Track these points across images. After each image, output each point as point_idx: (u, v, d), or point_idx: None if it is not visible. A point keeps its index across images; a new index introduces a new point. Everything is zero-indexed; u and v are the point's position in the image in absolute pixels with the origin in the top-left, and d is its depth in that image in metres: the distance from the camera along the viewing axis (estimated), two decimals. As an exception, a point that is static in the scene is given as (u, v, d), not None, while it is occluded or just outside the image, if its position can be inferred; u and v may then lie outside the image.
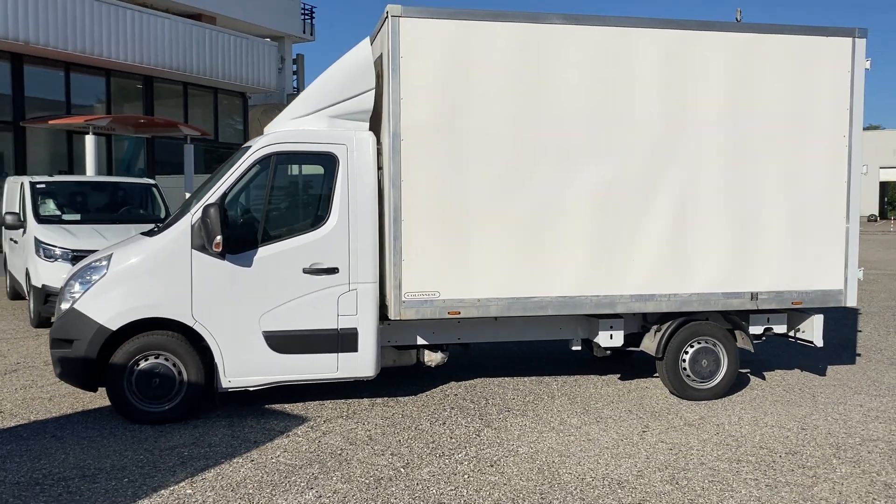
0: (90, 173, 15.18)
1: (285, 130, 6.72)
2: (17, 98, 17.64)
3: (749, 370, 8.55)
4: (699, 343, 7.38)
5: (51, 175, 12.95)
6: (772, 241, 7.25)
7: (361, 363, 6.65)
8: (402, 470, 5.43)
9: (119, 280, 6.33)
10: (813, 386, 7.92)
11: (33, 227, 10.87)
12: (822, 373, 8.54)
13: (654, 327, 7.43)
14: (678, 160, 7.02)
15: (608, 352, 7.57)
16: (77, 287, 6.40)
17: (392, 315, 6.62)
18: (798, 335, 7.82)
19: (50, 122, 16.81)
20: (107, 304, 6.28)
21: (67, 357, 6.30)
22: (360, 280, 6.58)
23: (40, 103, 18.31)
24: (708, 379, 7.37)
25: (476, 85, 6.63)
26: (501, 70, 6.68)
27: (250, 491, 5.02)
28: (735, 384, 7.75)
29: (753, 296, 7.23)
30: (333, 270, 6.52)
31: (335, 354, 6.59)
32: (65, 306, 6.42)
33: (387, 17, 6.48)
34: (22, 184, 11.80)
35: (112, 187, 12.90)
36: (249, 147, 6.63)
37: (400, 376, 7.87)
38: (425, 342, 7.20)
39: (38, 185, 11.71)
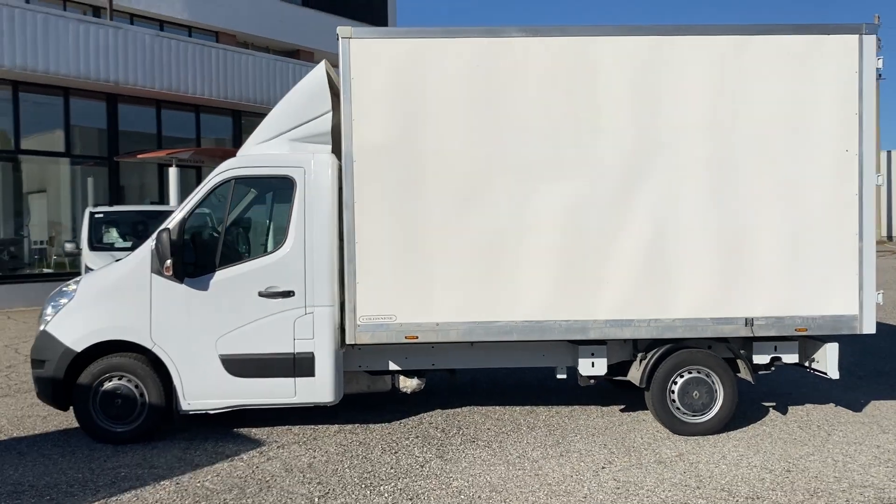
0: (173, 204, 15.98)
1: (244, 155, 6.78)
2: (111, 134, 18.90)
3: (775, 404, 7.79)
4: (690, 373, 6.78)
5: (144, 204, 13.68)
6: (769, 263, 6.58)
7: (319, 388, 6.54)
8: (316, 500, 5.25)
9: (84, 304, 6.55)
10: (836, 422, 7.09)
11: (85, 254, 11.54)
12: (858, 408, 7.64)
13: (640, 355, 6.90)
14: (655, 176, 6.52)
15: (592, 381, 7.08)
16: (49, 310, 6.68)
17: (347, 339, 6.49)
18: (813, 365, 7.05)
19: (139, 156, 17.88)
20: (73, 327, 6.50)
21: (40, 377, 6.56)
22: (317, 303, 6.49)
23: (135, 138, 19.51)
24: (701, 412, 6.75)
25: (432, 103, 6.45)
26: (458, 87, 6.46)
27: (155, 515, 5.00)
28: (747, 418, 7.10)
29: (748, 321, 6.58)
30: (289, 294, 6.48)
31: (292, 379, 6.52)
32: (41, 328, 6.71)
33: (338, 39, 6.43)
34: (84, 213, 12.58)
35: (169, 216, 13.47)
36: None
37: (388, 401, 7.70)
38: (398, 367, 7.01)
39: (96, 215, 12.44)
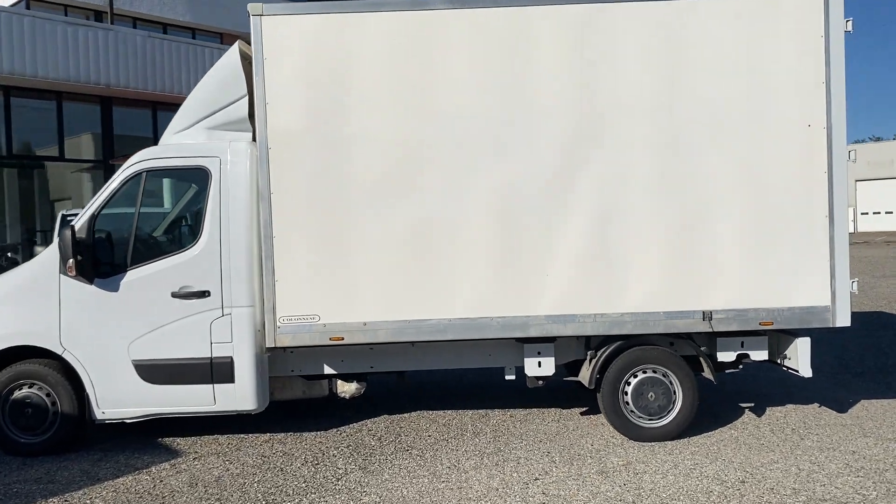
0: (167, 206, 15.70)
1: (157, 146, 6.34)
2: (106, 137, 18.70)
3: (752, 404, 7.14)
4: (644, 372, 6.18)
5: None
6: (728, 250, 5.96)
7: (240, 395, 6.07)
8: (205, 518, 4.79)
9: (-9, 308, 6.17)
10: (814, 425, 6.43)
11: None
12: (844, 408, 6.96)
13: (590, 353, 6.32)
14: (599, 158, 5.94)
15: (540, 382, 6.51)
16: (-42, 315, 6.30)
17: (267, 342, 6.01)
18: (785, 363, 6.39)
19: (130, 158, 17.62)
20: (-20, 333, 6.12)
21: (-45, 386, 6.19)
22: (235, 304, 6.03)
23: (130, 141, 19.28)
24: (658, 415, 6.14)
25: (353, 84, 5.94)
26: (380, 66, 5.94)
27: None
28: (717, 420, 6.49)
29: (706, 315, 5.96)
30: (204, 294, 6.02)
31: (210, 386, 6.05)
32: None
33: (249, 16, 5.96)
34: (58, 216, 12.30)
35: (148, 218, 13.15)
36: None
37: (341, 406, 7.21)
38: (334, 371, 6.51)
39: (67, 217, 12.12)
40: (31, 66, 16.37)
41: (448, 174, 5.95)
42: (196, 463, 5.86)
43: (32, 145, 18.01)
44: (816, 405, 7.10)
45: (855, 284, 6.01)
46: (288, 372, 6.49)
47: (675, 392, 6.15)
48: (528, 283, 5.96)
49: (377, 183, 5.94)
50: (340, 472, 5.58)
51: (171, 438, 6.48)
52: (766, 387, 7.79)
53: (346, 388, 6.62)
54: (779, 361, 6.45)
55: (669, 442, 6.08)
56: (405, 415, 7.08)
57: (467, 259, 5.96)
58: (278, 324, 5.97)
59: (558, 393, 7.60)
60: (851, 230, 57.42)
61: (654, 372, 6.16)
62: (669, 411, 6.14)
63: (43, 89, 17.13)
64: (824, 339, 10.37)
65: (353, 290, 5.96)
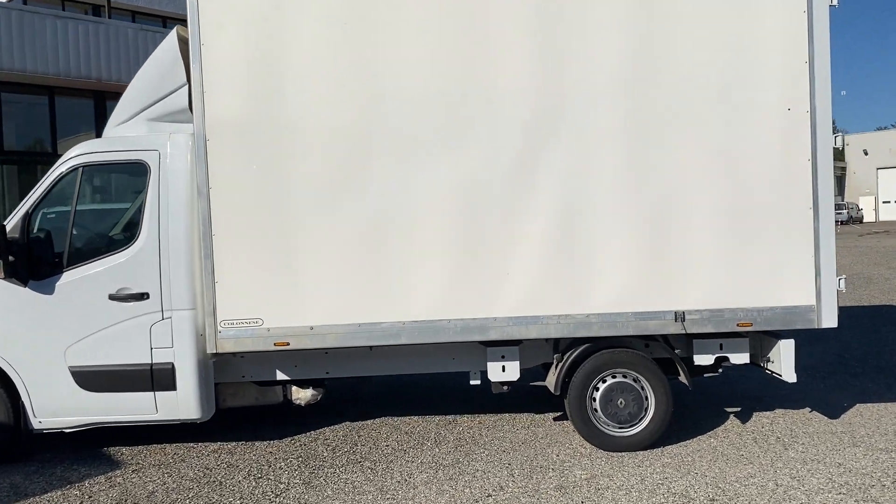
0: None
1: (95, 140, 5.98)
2: (99, 132, 18.38)
3: (739, 409, 6.69)
4: (614, 377, 5.74)
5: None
6: (703, 246, 5.50)
7: (183, 403, 5.71)
8: (121, 541, 4.43)
9: (-78, 312, 5.84)
10: (801, 433, 5.97)
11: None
12: (836, 414, 6.49)
13: (556, 357, 5.90)
14: (562, 145, 5.50)
15: (505, 388, 6.10)
16: None
17: (208, 347, 5.63)
18: (768, 366, 5.93)
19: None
20: None
21: None
22: (175, 307, 5.66)
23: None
24: (628, 424, 5.71)
25: (294, 69, 5.53)
26: (324, 48, 5.53)
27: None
28: (697, 427, 6.08)
29: (678, 316, 5.51)
30: (143, 296, 5.66)
31: (151, 393, 5.70)
32: None
33: (185, -1, 5.57)
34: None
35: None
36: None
37: (300, 413, 6.83)
38: (287, 377, 6.14)
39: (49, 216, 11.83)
40: (20, 61, 16.12)
41: (399, 166, 5.53)
42: (133, 476, 5.52)
43: (26, 142, 17.80)
44: (807, 410, 6.64)
45: (842, 282, 5.54)
46: (239, 378, 6.13)
47: (646, 398, 5.71)
48: (488, 283, 5.55)
49: (323, 176, 5.54)
50: (282, 486, 5.20)
51: (117, 448, 6.15)
52: (758, 388, 7.33)
53: (302, 395, 6.25)
54: (762, 365, 6.00)
55: (641, 452, 5.65)
56: (368, 422, 6.69)
57: (422, 258, 5.55)
58: (219, 328, 5.59)
59: (534, 396, 7.18)
60: (872, 219, 56.72)
61: (625, 377, 5.73)
62: (641, 419, 5.71)
63: (34, 84, 16.90)
64: (825, 336, 9.86)
65: (299, 292, 5.58)
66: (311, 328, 5.59)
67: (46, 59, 16.42)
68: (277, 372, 6.12)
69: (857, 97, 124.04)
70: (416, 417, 6.77)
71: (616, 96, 5.47)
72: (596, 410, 5.72)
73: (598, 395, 5.73)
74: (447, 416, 6.76)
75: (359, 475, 5.38)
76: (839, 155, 71.14)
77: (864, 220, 58.70)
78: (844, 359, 8.63)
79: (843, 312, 11.97)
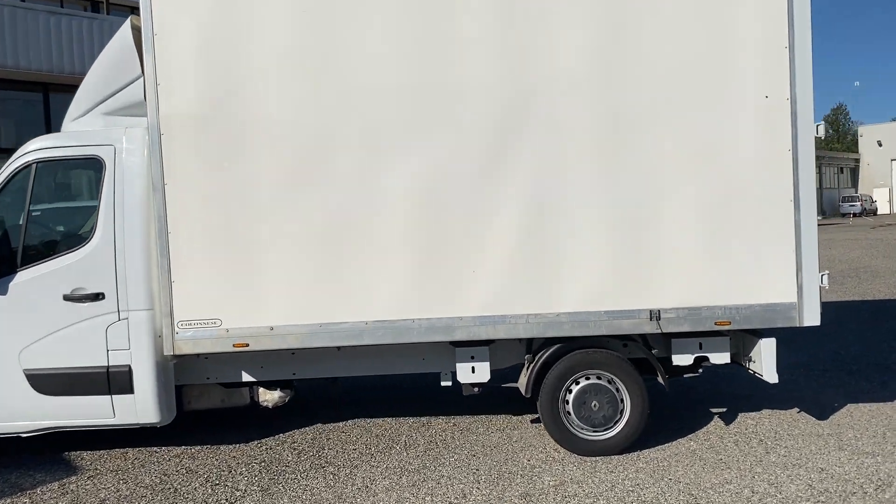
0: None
1: (50, 135, 5.80)
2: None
3: (725, 409, 6.45)
4: (587, 379, 5.51)
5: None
6: (679, 242, 5.26)
7: (141, 407, 5.52)
8: (60, 554, 4.25)
9: None
10: (786, 435, 5.72)
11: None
12: (825, 414, 6.23)
13: (527, 357, 5.67)
14: (530, 139, 5.26)
15: (476, 389, 5.87)
16: None
17: (165, 349, 5.44)
18: (750, 366, 5.68)
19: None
20: None
21: None
22: (132, 307, 5.47)
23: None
24: (603, 427, 5.47)
25: (254, 60, 5.31)
26: (285, 37, 5.31)
27: None
28: (678, 429, 5.85)
29: (653, 314, 5.27)
30: (98, 296, 5.47)
31: (108, 397, 5.52)
32: None
33: (138, -12, 5.36)
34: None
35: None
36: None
37: (273, 415, 6.63)
38: (253, 378, 5.94)
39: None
40: (13, 58, 16.00)
41: (362, 161, 5.31)
42: (88, 482, 5.34)
43: (20, 139, 17.70)
44: (796, 410, 6.38)
45: (825, 278, 5.27)
46: (203, 379, 5.94)
47: (622, 401, 5.48)
48: (454, 282, 5.32)
49: (282, 172, 5.33)
50: (238, 494, 5.01)
51: (78, 452, 5.98)
52: (747, 387, 7.07)
53: (269, 397, 6.06)
54: (744, 364, 5.75)
55: (616, 457, 5.42)
56: (340, 424, 6.49)
57: (386, 255, 5.33)
58: (176, 329, 5.40)
59: (514, 397, 6.93)
60: (886, 211, 55.89)
61: (599, 378, 5.49)
62: (616, 422, 5.47)
63: (29, 81, 16.79)
64: (823, 332, 9.56)
65: (258, 292, 5.37)
66: (272, 328, 5.39)
67: (40, 56, 16.30)
68: (243, 373, 5.93)
69: (872, 88, 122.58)
70: (391, 419, 6.57)
71: (585, 87, 5.23)
72: (569, 413, 5.49)
73: (570, 397, 5.50)
74: (422, 418, 6.55)
75: (319, 481, 5.17)
76: (853, 146, 70.35)
77: (879, 213, 57.94)
78: (841, 355, 8.36)
79: (845, 307, 11.70)
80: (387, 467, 5.39)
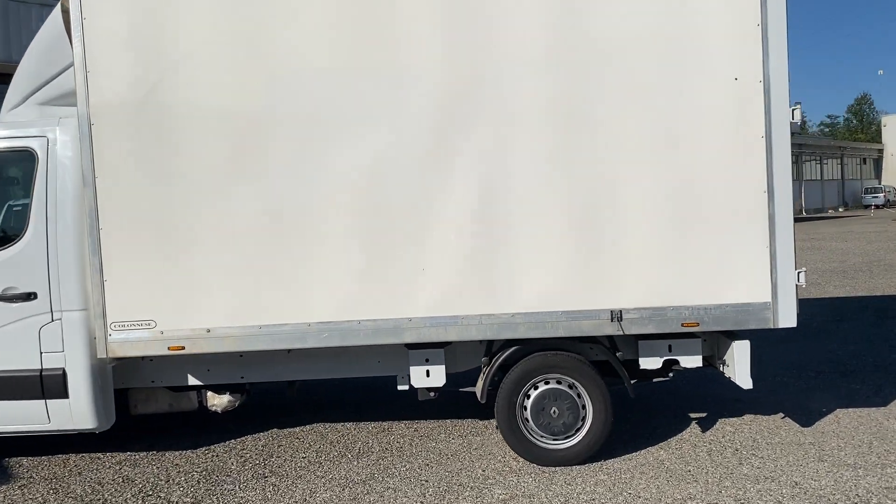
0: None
1: (-18, 126, 5.51)
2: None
3: (705, 414, 6.06)
4: (547, 383, 5.14)
5: None
6: (642, 236, 4.87)
7: (77, 412, 5.24)
8: (-40, 574, 3.97)
9: None
10: (764, 444, 5.33)
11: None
12: (810, 421, 5.82)
13: (484, 360, 5.32)
14: (480, 125, 4.90)
15: (432, 394, 5.53)
16: None
17: (98, 351, 5.15)
18: (725, 370, 5.29)
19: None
20: None
21: None
22: (66, 307, 5.19)
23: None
24: (563, 435, 5.11)
25: (186, 45, 4.99)
26: (217, 22, 4.98)
27: None
28: (650, 436, 5.47)
29: (615, 315, 4.89)
30: (30, 296, 5.19)
31: (42, 402, 5.24)
32: None
33: (66, -31, 5.06)
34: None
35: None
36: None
37: (230, 418, 6.33)
38: (199, 382, 5.64)
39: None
40: (4, 51, 15.83)
41: (300, 151, 4.97)
42: (17, 492, 5.07)
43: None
44: (780, 416, 5.98)
45: (802, 276, 4.86)
46: (149, 383, 5.65)
47: (583, 407, 5.11)
48: (402, 280, 4.98)
49: (217, 164, 5.00)
50: (167, 507, 4.72)
51: (18, 459, 5.71)
52: (734, 390, 6.54)
53: (217, 401, 5.76)
54: (719, 368, 5.36)
55: (577, 467, 5.05)
56: (297, 429, 6.18)
57: (329, 252, 5.00)
58: (109, 330, 5.10)
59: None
60: (907, 201, 54.67)
61: (559, 383, 5.13)
62: (577, 430, 5.11)
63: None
64: (824, 329, 9.14)
65: (194, 291, 5.06)
66: (208, 330, 5.07)
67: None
68: (189, 376, 5.63)
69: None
70: (351, 424, 6.25)
71: (538, 70, 4.85)
72: (527, 420, 5.14)
73: (529, 403, 5.14)
74: (384, 423, 6.23)
75: (257, 493, 4.86)
76: (877, 136, 68.95)
77: (902, 204, 56.73)
78: (838, 355, 7.92)
79: (851, 302, 11.20)
80: (332, 478, 5.07)
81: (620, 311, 4.87)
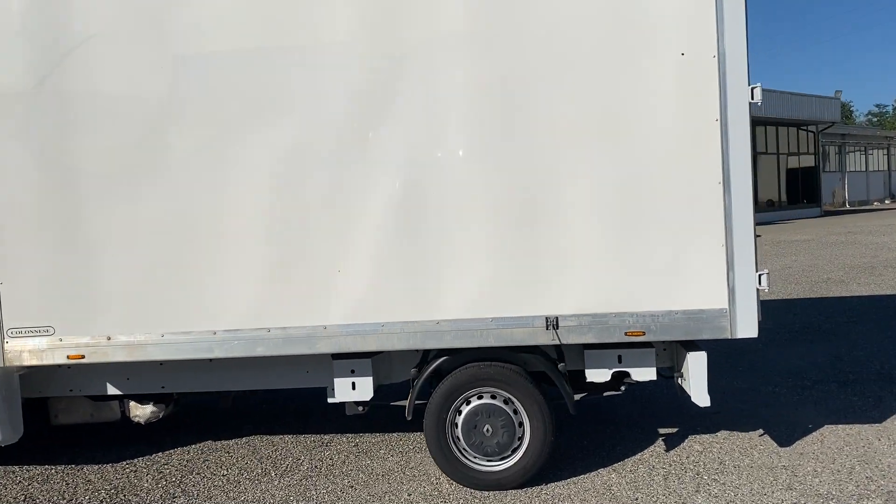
0: None
1: None
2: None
3: (676, 430, 5.48)
4: (479, 398, 4.62)
5: None
6: (581, 235, 4.32)
7: (-22, 424, 4.88)
8: None
9: None
10: (731, 467, 4.73)
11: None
12: (790, 440, 5.20)
13: (413, 371, 4.81)
14: (404, 112, 4.39)
15: (361, 409, 5.04)
16: None
17: (-4, 360, 4.78)
18: (682, 384, 4.71)
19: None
20: None
21: None
22: (-35, 312, 4.83)
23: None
24: (497, 456, 4.58)
25: (80, 26, 4.58)
26: (113, 1, 4.56)
27: None
28: (606, 457, 4.92)
29: (550, 322, 4.34)
30: (-73, 300, 4.84)
31: (-57, 413, 4.90)
32: None
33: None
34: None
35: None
36: None
37: (173, 428, 5.95)
38: (119, 391, 5.25)
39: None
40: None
41: (206, 143, 4.53)
42: (-89, 512, 4.73)
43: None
44: (759, 432, 5.36)
45: (764, 278, 4.26)
46: (67, 391, 5.28)
47: (520, 424, 4.57)
48: (316, 283, 4.51)
49: (117, 158, 4.59)
50: (56, 532, 4.31)
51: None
52: (718, 402, 6.03)
53: (140, 412, 5.37)
54: (677, 381, 4.78)
55: (513, 492, 4.52)
56: (230, 441, 5.75)
57: (237, 253, 4.55)
58: (6, 337, 4.73)
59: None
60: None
61: (493, 398, 4.60)
62: (514, 450, 4.57)
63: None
64: (832, 332, 8.43)
65: (93, 296, 4.66)
66: (109, 338, 4.67)
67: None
68: (108, 385, 5.24)
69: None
70: (290, 437, 5.80)
71: (467, 51, 4.33)
72: (458, 439, 4.62)
73: (460, 419, 4.62)
74: (325, 436, 5.76)
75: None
76: (887, 124, 66.23)
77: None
78: (842, 361, 7.24)
79: (871, 302, 10.41)
80: (245, 499, 4.62)
81: (556, 319, 4.33)
